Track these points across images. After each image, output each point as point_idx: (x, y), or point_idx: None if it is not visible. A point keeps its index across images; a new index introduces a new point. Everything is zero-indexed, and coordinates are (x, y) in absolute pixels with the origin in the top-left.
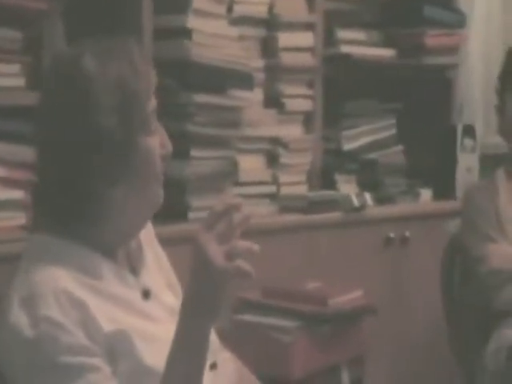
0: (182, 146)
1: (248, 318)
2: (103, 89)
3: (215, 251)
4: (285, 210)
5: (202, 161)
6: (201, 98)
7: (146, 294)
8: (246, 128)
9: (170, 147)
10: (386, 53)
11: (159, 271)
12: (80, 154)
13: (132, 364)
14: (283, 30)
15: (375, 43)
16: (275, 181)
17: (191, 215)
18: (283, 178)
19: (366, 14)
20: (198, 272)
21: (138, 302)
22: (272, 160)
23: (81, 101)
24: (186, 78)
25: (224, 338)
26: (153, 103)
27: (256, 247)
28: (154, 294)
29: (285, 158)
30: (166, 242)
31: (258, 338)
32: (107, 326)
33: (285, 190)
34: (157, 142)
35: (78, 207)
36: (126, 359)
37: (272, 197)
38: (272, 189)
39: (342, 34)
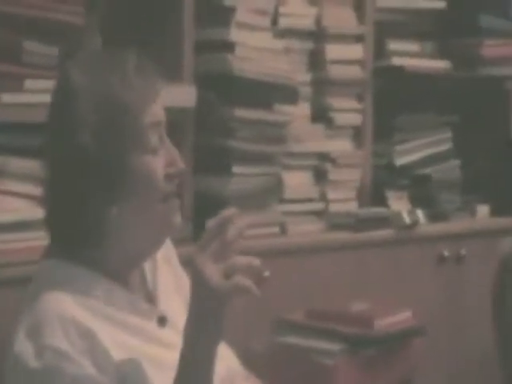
0: (223, 162)
1: (290, 340)
2: (89, 104)
3: (211, 271)
4: (333, 227)
5: (245, 177)
6: (243, 112)
7: (162, 321)
8: (291, 143)
9: (180, 165)
10: (441, 64)
11: (178, 292)
12: (69, 173)
13: None
14: (331, 42)
15: (429, 55)
16: (323, 197)
17: None
18: (331, 194)
19: (419, 25)
20: (197, 294)
21: (152, 330)
22: (320, 176)
23: (65, 117)
24: (229, 92)
25: (264, 360)
26: (152, 118)
27: (256, 262)
28: (171, 320)
29: (333, 173)
30: None
31: (299, 361)
32: (118, 354)
33: (333, 207)
34: (158, 160)
35: (75, 228)
36: None
37: (320, 214)
38: (320, 206)
39: (394, 45)
